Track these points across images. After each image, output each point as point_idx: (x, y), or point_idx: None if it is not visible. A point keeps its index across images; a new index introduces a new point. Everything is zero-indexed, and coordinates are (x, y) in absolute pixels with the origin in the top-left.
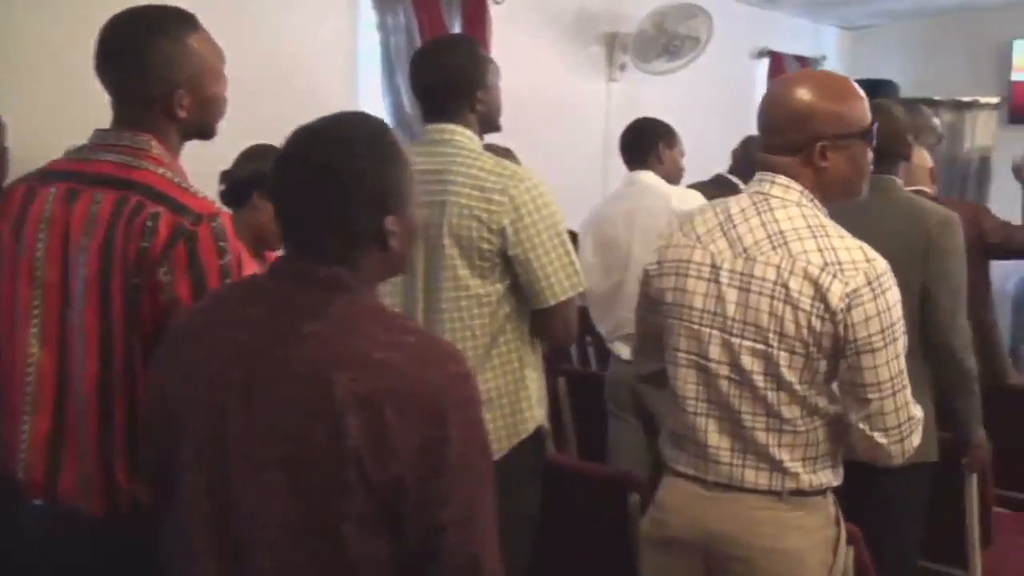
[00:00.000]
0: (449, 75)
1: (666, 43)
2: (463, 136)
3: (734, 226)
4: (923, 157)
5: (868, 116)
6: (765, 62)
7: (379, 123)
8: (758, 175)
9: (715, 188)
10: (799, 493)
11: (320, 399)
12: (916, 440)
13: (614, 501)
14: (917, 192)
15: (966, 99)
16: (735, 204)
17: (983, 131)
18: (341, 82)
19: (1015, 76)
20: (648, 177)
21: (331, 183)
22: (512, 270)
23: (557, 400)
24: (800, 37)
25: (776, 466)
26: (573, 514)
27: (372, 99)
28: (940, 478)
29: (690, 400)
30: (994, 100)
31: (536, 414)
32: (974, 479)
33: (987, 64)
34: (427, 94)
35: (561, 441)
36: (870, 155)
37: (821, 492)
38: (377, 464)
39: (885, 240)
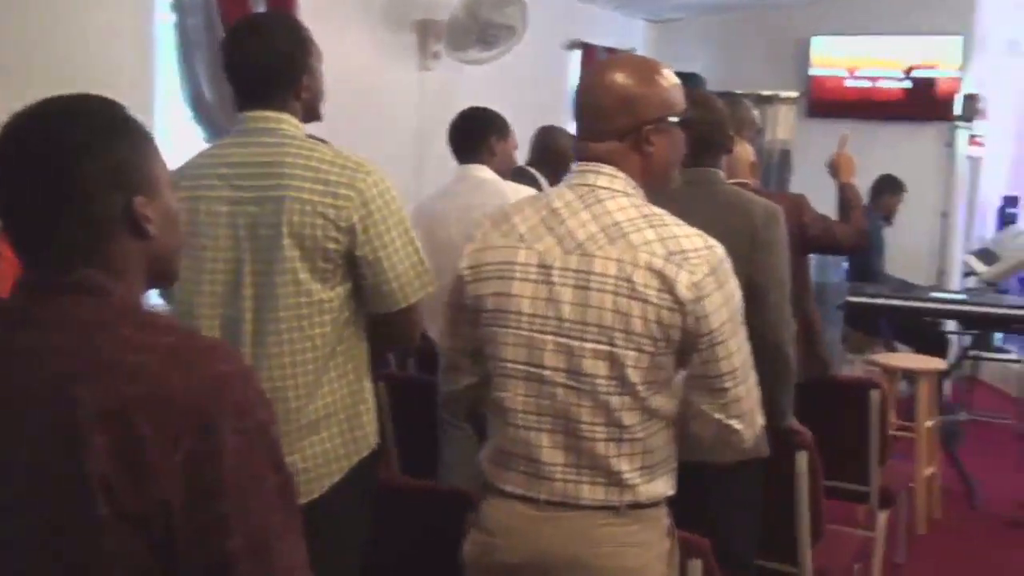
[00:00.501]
0: (273, 57)
1: (480, 32)
2: (291, 125)
3: (562, 221)
4: (746, 150)
5: (683, 101)
6: (577, 54)
7: (106, 99)
8: (579, 166)
9: (516, 180)
10: (636, 506)
11: (61, 422)
12: (762, 420)
13: (450, 522)
14: (739, 185)
15: (767, 93)
16: (557, 198)
17: (784, 124)
18: (136, 67)
19: (813, 71)
20: (481, 172)
21: (51, 164)
22: (355, 272)
23: (379, 410)
24: (610, 29)
25: (614, 479)
26: (404, 539)
27: (174, 86)
28: (770, 473)
29: (520, 414)
30: (794, 94)
31: (375, 428)
32: (804, 473)
33: (787, 59)
34: (246, 78)
35: (382, 455)
36: (684, 141)
37: (656, 504)
38: (133, 490)
39: (710, 233)
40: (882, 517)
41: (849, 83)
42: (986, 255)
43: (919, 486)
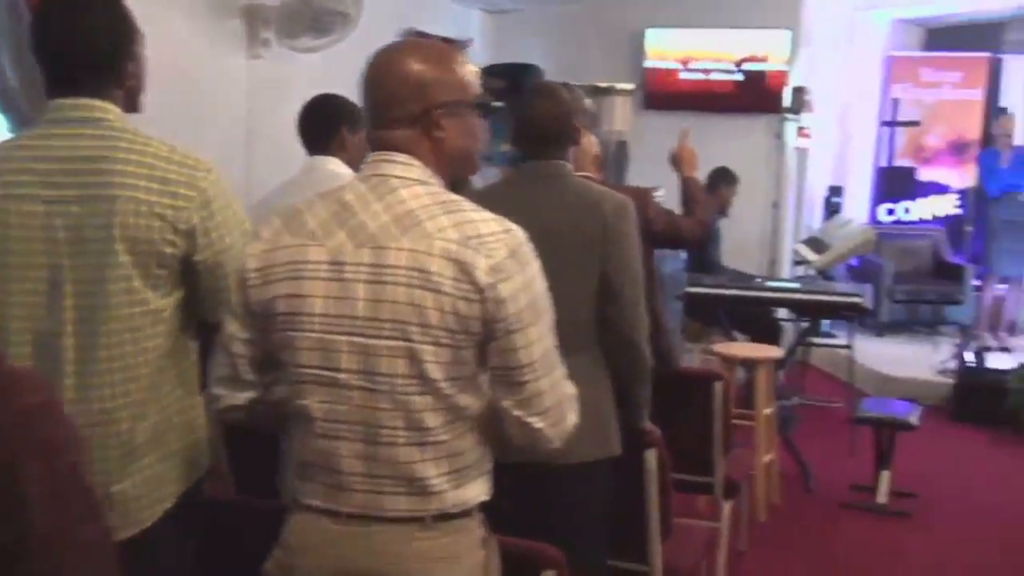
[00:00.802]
0: (97, 38)
1: (313, 18)
2: (116, 116)
3: (353, 215)
4: (590, 142)
5: (478, 85)
6: None
7: None
8: (372, 156)
9: None
10: (444, 517)
11: None
12: (573, 419)
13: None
14: (584, 178)
15: (603, 85)
16: (349, 191)
17: (620, 116)
18: None
19: (648, 63)
20: (331, 164)
21: None
22: (190, 277)
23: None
24: (447, 19)
25: (418, 488)
26: (228, 560)
27: None
28: (618, 472)
29: (319, 422)
30: (630, 86)
31: (208, 447)
32: (654, 471)
33: (622, 51)
34: (63, 61)
35: (212, 473)
36: (482, 127)
37: (467, 513)
38: None
39: (560, 227)
40: (727, 507)
41: (683, 75)
42: (815, 243)
43: (759, 473)
